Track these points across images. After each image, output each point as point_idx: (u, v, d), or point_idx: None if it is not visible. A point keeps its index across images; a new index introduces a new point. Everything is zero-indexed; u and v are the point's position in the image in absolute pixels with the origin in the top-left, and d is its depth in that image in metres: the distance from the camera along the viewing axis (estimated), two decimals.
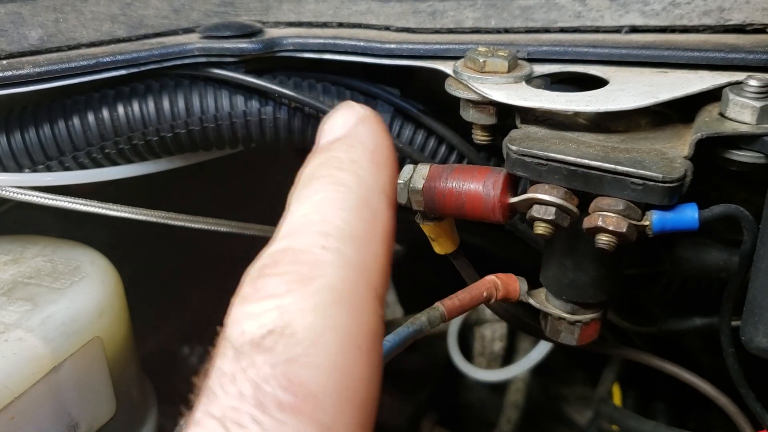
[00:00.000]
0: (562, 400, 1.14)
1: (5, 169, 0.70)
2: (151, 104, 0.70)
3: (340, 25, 0.74)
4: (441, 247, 0.61)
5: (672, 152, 0.51)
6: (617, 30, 0.64)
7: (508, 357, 1.15)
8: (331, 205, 0.37)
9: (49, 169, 0.71)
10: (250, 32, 0.71)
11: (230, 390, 0.31)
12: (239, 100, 0.71)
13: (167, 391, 0.85)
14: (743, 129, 0.51)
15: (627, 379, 0.97)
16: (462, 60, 0.61)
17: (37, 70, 0.65)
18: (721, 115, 0.53)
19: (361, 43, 0.68)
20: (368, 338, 0.34)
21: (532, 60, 0.62)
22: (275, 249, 0.36)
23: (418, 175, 0.56)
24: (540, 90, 0.58)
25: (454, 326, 1.13)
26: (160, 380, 0.84)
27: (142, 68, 0.69)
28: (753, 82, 0.51)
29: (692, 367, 0.73)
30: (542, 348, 1.03)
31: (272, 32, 0.73)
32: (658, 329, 0.78)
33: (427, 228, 0.60)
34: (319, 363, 0.31)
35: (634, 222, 0.49)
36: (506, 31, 0.68)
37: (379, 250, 0.37)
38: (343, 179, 0.39)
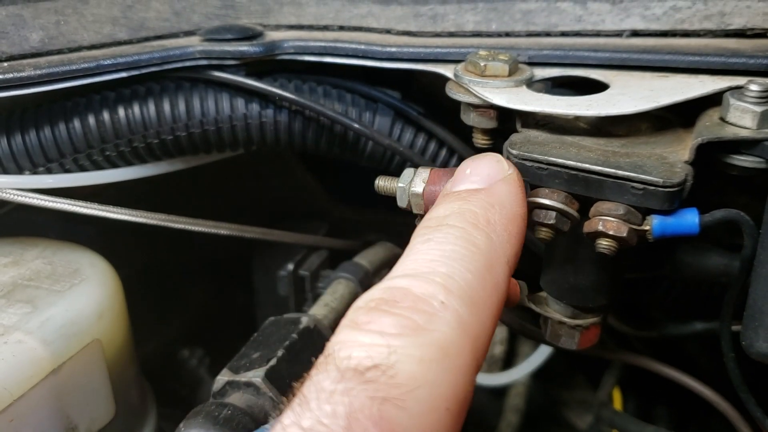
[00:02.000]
0: (563, 404, 1.14)
1: (5, 171, 0.71)
2: (151, 107, 0.70)
3: (341, 28, 0.74)
4: None
5: (673, 157, 0.51)
6: (618, 34, 0.64)
7: (508, 361, 1.14)
8: (460, 262, 0.39)
9: (49, 171, 0.71)
10: (250, 35, 0.71)
11: (325, 407, 0.32)
12: (240, 103, 0.71)
13: (166, 393, 0.85)
14: (744, 134, 0.50)
15: (627, 383, 0.97)
16: (463, 63, 0.61)
17: (38, 72, 0.65)
18: (722, 119, 0.53)
19: (362, 47, 0.68)
20: (458, 403, 0.35)
21: (532, 64, 0.62)
22: (396, 285, 0.38)
23: (419, 178, 0.56)
24: (541, 94, 0.57)
25: None
26: (159, 383, 0.84)
27: (143, 71, 0.69)
28: (754, 87, 0.51)
29: (692, 372, 0.73)
30: (542, 352, 1.02)
31: (273, 35, 0.73)
32: (658, 334, 0.78)
33: None
34: (411, 411, 0.32)
35: (634, 226, 0.49)
36: (507, 34, 0.68)
37: (491, 320, 0.39)
38: (476, 239, 0.40)
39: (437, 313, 0.36)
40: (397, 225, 0.98)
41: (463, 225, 0.41)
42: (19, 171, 0.71)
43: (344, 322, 0.37)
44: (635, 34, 0.64)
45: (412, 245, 0.41)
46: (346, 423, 0.31)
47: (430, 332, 0.35)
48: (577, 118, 0.57)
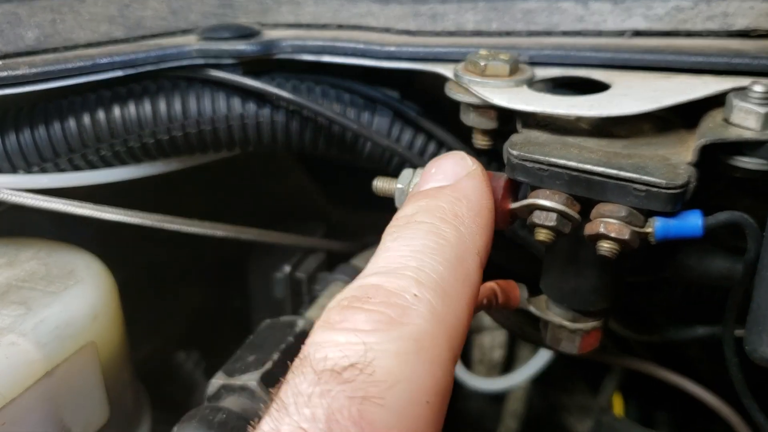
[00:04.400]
0: (563, 409, 1.13)
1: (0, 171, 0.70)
2: (147, 106, 0.70)
3: (340, 27, 0.73)
4: None
5: (676, 158, 0.50)
6: (620, 34, 0.64)
7: (507, 365, 1.14)
8: (430, 255, 0.39)
9: (44, 170, 0.70)
10: (248, 34, 0.71)
11: (304, 411, 0.32)
12: (236, 103, 0.71)
13: (161, 396, 0.84)
14: (748, 135, 0.50)
15: (629, 388, 0.96)
16: (463, 63, 0.60)
17: (33, 70, 0.64)
18: (726, 120, 0.52)
19: (361, 46, 0.67)
20: (438, 395, 0.35)
21: (533, 64, 0.62)
22: (368, 283, 0.38)
23: (418, 179, 0.55)
24: (542, 94, 0.57)
25: None
26: (154, 386, 0.84)
27: (139, 70, 0.68)
28: (758, 88, 0.50)
29: (694, 377, 0.72)
30: (542, 356, 1.02)
31: (270, 34, 0.72)
32: (660, 338, 0.77)
33: None
34: (390, 407, 0.32)
35: (636, 229, 0.48)
36: (508, 34, 0.67)
37: (465, 311, 0.39)
38: (445, 233, 0.41)
39: (410, 306, 0.36)
40: None
41: (431, 220, 0.42)
42: (13, 170, 0.70)
43: (318, 323, 0.37)
44: (637, 34, 0.64)
45: (382, 244, 0.41)
46: (326, 426, 0.31)
47: (404, 325, 0.35)
48: (579, 118, 0.56)
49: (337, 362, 0.33)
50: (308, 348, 0.35)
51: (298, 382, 0.33)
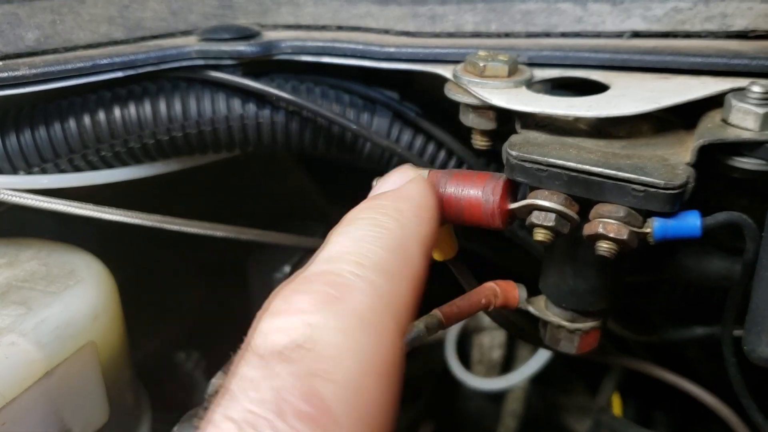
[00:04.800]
0: (562, 409, 1.13)
1: (0, 172, 0.70)
2: (147, 107, 0.70)
3: (339, 28, 0.73)
4: (439, 253, 0.60)
5: (674, 159, 0.51)
6: (619, 35, 0.64)
7: (506, 365, 1.14)
8: (370, 241, 0.40)
9: (44, 171, 0.70)
10: (247, 35, 0.71)
11: (251, 395, 0.32)
12: (236, 104, 0.71)
13: (161, 397, 0.84)
14: (746, 135, 0.50)
15: (627, 388, 0.96)
16: (462, 64, 0.61)
17: (33, 71, 0.64)
18: (724, 121, 0.52)
19: (360, 47, 0.67)
20: (387, 366, 0.35)
21: (532, 65, 0.62)
22: (309, 272, 0.38)
23: None
24: (540, 95, 0.57)
25: (452, 334, 1.12)
26: (154, 386, 0.83)
27: (139, 70, 0.68)
28: (756, 89, 0.50)
29: (692, 377, 0.72)
30: (541, 356, 1.02)
31: (270, 35, 0.73)
32: (659, 338, 0.78)
33: None
34: (340, 381, 0.32)
35: (635, 229, 0.48)
36: (507, 35, 0.67)
37: (409, 290, 0.39)
38: (385, 223, 0.42)
39: (351, 284, 0.37)
40: None
41: (372, 215, 0.43)
42: (14, 171, 0.70)
43: (260, 313, 0.37)
44: (636, 35, 0.64)
45: (326, 240, 0.42)
46: (276, 406, 0.31)
47: (345, 302, 0.36)
48: (578, 119, 0.56)
49: (281, 344, 0.33)
50: (252, 337, 0.35)
51: (244, 370, 0.33)
